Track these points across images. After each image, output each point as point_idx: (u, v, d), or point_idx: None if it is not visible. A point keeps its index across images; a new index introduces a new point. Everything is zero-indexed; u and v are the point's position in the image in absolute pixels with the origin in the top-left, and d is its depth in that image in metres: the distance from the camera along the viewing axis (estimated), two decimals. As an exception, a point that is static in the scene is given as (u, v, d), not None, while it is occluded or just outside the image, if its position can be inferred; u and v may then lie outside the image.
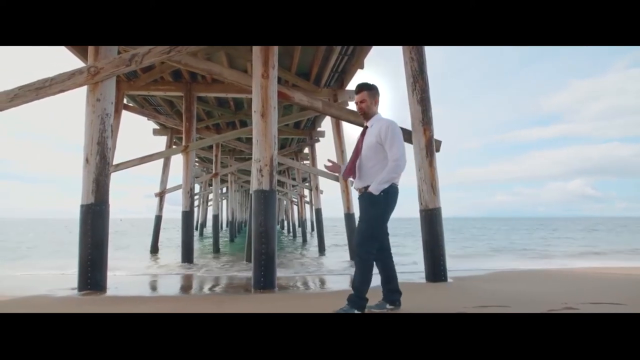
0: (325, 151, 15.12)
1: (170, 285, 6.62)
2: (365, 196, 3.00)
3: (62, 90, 4.77)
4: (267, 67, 4.96)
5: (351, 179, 3.21)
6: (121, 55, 4.84)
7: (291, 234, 27.50)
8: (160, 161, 15.04)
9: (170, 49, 4.78)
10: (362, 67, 9.15)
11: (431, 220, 5.41)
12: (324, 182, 17.72)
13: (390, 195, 2.98)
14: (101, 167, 4.87)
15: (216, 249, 14.03)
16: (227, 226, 27.66)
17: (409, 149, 5.64)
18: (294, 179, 21.77)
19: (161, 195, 14.86)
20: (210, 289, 6.14)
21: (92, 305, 3.98)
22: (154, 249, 14.38)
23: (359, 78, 10.81)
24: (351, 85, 10.42)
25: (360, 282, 2.91)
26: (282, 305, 3.78)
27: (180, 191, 16.34)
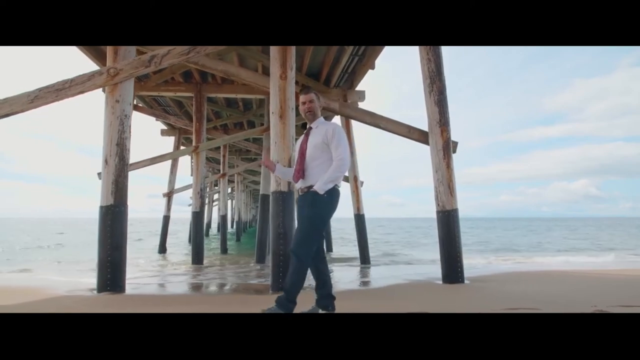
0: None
1: (187, 286, 6.63)
2: (309, 196, 2.96)
3: (82, 92, 4.78)
4: (285, 68, 4.95)
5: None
6: (140, 57, 4.84)
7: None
8: (165, 161, 15.09)
9: (189, 50, 4.78)
10: (372, 68, 9.14)
11: (448, 221, 5.39)
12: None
13: (333, 196, 2.97)
14: (120, 168, 4.88)
15: (224, 249, 14.03)
16: (231, 226, 27.77)
17: (426, 150, 5.64)
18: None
19: (169, 196, 14.88)
20: (227, 290, 6.14)
21: (113, 305, 3.98)
22: (162, 249, 14.43)
23: (369, 78, 10.84)
24: (361, 86, 10.43)
25: (292, 285, 2.83)
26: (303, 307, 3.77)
27: (183, 191, 16.50)
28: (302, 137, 3.22)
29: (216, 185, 24.35)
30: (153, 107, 12.19)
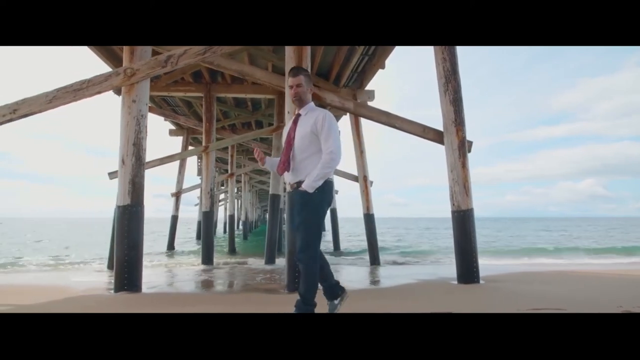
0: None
1: (201, 286, 6.64)
2: (298, 195, 2.75)
3: (99, 92, 4.80)
4: (300, 68, 4.95)
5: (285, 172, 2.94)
6: (157, 57, 4.86)
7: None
8: (175, 161, 15.14)
9: (205, 50, 4.79)
10: (383, 67, 9.13)
11: (463, 221, 5.37)
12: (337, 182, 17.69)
13: (325, 192, 2.76)
14: (137, 168, 4.90)
15: (232, 250, 14.08)
16: (237, 226, 27.83)
17: (441, 150, 5.62)
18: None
19: (177, 196, 14.94)
20: (241, 289, 6.14)
21: (134, 305, 4.00)
22: (171, 247, 14.77)
23: (379, 78, 10.84)
24: (370, 85, 10.41)
25: (306, 290, 2.72)
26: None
27: (190, 192, 16.54)
28: (289, 125, 2.95)
29: (222, 185, 24.41)
30: (162, 107, 12.24)
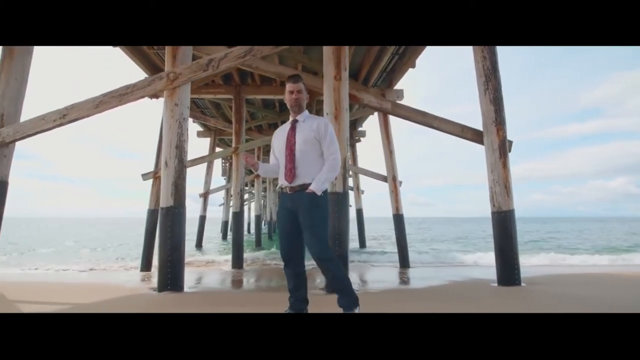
0: (365, 151, 15.14)
1: (240, 285, 6.73)
2: (306, 197, 2.74)
3: (143, 96, 4.93)
4: (339, 69, 4.95)
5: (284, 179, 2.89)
6: (198, 61, 4.94)
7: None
8: (205, 162, 15.40)
9: (245, 53, 4.84)
10: (413, 66, 9.04)
11: (504, 222, 5.27)
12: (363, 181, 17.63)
13: (328, 195, 2.87)
14: (179, 170, 4.99)
15: (258, 243, 14.35)
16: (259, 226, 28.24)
17: (480, 150, 5.52)
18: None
19: (205, 196, 15.17)
20: (279, 290, 6.18)
21: (181, 305, 4.07)
22: (199, 244, 15.55)
23: (408, 77, 10.77)
24: (400, 85, 10.32)
25: (343, 282, 2.74)
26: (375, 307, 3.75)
27: (215, 192, 16.76)
28: (283, 131, 2.97)
29: (246, 185, 24.67)
30: (192, 109, 12.44)
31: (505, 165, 5.28)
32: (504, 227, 5.28)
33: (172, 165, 4.97)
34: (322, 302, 4.25)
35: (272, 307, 3.54)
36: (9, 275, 8.11)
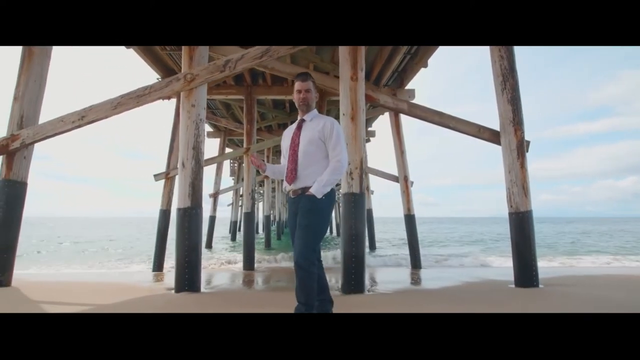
0: (374, 151, 15.12)
1: (254, 285, 6.74)
2: (305, 200, 2.64)
3: (160, 98, 4.95)
4: (356, 69, 4.94)
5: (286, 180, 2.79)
6: (215, 62, 4.95)
7: (334, 233, 27.78)
8: (216, 163, 15.48)
9: (262, 54, 4.84)
10: (425, 66, 9.01)
11: (522, 223, 5.23)
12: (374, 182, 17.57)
13: (331, 198, 2.71)
14: (196, 171, 5.00)
15: (268, 244, 14.36)
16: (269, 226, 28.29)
17: (497, 151, 5.48)
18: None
19: (215, 196, 15.22)
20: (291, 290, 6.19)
21: (199, 305, 4.08)
22: (209, 245, 15.53)
23: (420, 77, 10.72)
24: (411, 85, 10.29)
25: (307, 295, 2.56)
26: (392, 308, 3.73)
27: (226, 192, 16.82)
28: (290, 130, 2.89)
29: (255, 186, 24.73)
30: (202, 109, 12.50)
31: (523, 165, 5.23)
32: (521, 228, 5.24)
33: (189, 166, 4.98)
34: (338, 302, 4.24)
35: (289, 307, 3.56)
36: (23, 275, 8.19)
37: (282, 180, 2.92)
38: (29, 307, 3.86)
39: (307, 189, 2.67)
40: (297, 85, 2.81)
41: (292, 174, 2.70)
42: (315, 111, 2.86)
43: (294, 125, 2.88)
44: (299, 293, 2.58)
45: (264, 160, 2.92)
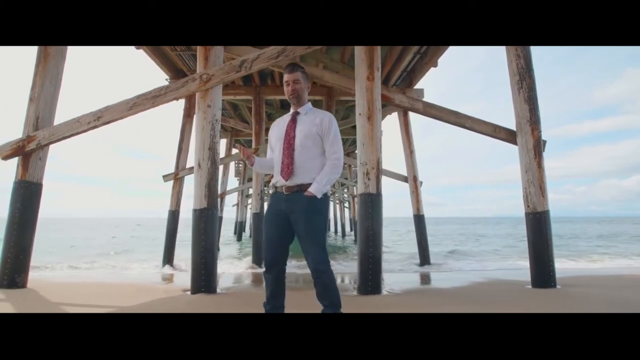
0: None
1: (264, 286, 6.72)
2: (304, 200, 2.50)
3: (176, 98, 4.93)
4: (372, 69, 4.91)
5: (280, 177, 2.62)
6: (231, 62, 4.93)
7: (339, 233, 27.74)
8: (224, 163, 15.49)
9: (278, 54, 4.82)
10: (435, 66, 8.97)
11: (539, 223, 5.19)
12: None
13: (328, 197, 2.61)
14: (212, 172, 4.98)
15: None
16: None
17: (514, 150, 5.44)
18: (345, 178, 21.77)
19: (222, 197, 15.22)
20: (308, 289, 6.16)
21: (218, 305, 4.06)
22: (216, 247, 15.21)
23: (430, 77, 10.71)
24: (420, 84, 10.26)
25: (334, 296, 2.50)
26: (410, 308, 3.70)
27: (233, 192, 16.77)
28: (282, 123, 2.73)
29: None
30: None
31: (540, 165, 5.20)
32: (538, 228, 5.20)
33: (205, 167, 4.97)
34: (352, 303, 4.22)
35: (307, 307, 3.54)
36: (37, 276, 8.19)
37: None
38: (48, 308, 3.85)
39: (303, 186, 2.53)
40: (285, 76, 2.68)
41: (289, 169, 2.53)
42: (309, 104, 2.74)
43: (287, 117, 2.73)
44: (324, 297, 2.50)
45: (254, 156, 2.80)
